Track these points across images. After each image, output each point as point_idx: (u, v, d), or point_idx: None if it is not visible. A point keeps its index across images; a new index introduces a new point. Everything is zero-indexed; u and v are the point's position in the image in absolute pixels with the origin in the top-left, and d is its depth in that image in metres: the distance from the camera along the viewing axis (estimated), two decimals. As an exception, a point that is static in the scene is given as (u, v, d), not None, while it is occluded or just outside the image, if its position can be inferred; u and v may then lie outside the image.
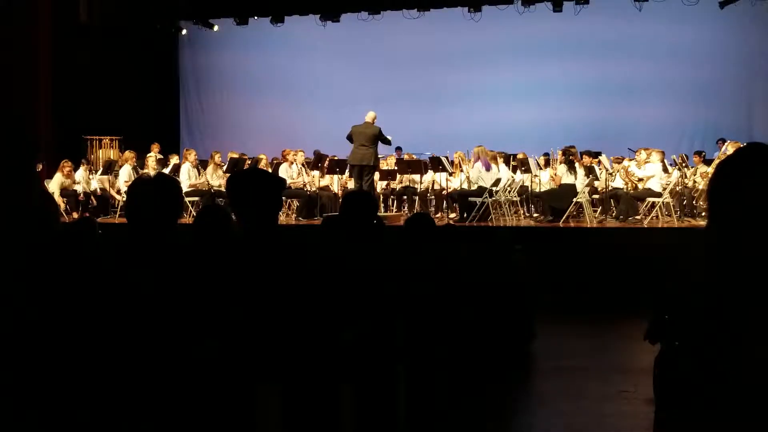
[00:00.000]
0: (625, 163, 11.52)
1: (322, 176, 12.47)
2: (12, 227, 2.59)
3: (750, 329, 1.79)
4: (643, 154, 10.96)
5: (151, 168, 11.89)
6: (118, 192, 12.04)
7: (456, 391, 4.73)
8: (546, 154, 12.65)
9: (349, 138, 11.04)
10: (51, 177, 11.95)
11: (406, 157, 13.39)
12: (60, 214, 7.36)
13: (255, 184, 2.86)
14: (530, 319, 6.70)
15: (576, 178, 10.60)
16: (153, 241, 2.58)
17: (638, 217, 10.39)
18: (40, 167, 12.12)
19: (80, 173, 12.42)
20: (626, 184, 10.89)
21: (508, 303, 6.17)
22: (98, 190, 12.48)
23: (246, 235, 2.84)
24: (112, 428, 2.49)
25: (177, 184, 2.91)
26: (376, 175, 12.33)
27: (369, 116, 11.04)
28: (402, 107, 15.77)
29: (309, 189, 11.96)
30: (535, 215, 11.61)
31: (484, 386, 5.38)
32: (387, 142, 11.14)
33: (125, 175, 11.74)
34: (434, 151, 12.82)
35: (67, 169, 11.96)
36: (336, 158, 12.18)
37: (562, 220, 10.30)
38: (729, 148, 10.32)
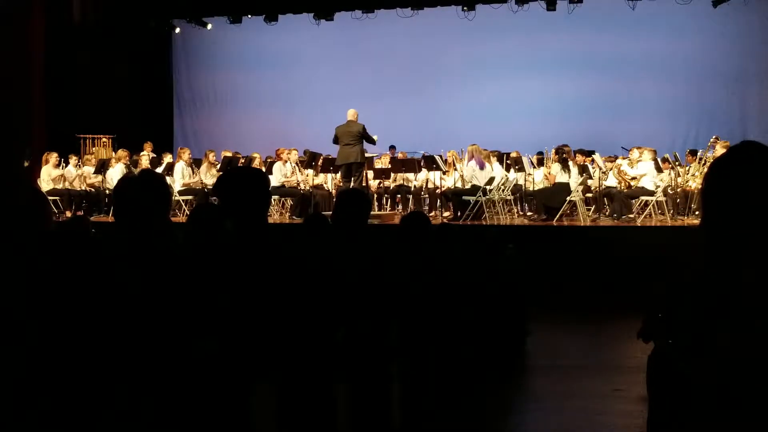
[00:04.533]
0: (618, 161, 11.55)
1: (316, 175, 12.47)
2: (2, 226, 2.57)
3: (745, 328, 1.79)
4: (635, 153, 11.00)
5: (143, 167, 11.86)
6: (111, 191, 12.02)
7: (449, 390, 4.73)
8: (540, 153, 12.64)
9: (335, 140, 11.04)
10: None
11: (399, 155, 13.39)
12: (52, 213, 7.33)
13: (242, 184, 2.87)
14: (524, 317, 6.71)
15: (570, 177, 10.61)
16: (142, 239, 2.56)
17: (631, 216, 10.41)
18: (27, 164, 12.08)
19: (70, 170, 12.38)
20: (619, 182, 10.91)
21: (502, 301, 6.17)
22: (89, 188, 12.45)
23: (237, 234, 2.85)
24: (107, 428, 2.48)
25: (162, 180, 2.91)
26: (370, 174, 12.33)
27: (350, 114, 11.04)
28: (396, 105, 15.77)
29: (303, 188, 11.95)
30: (529, 214, 11.62)
31: (477, 385, 5.38)
32: (371, 141, 11.04)
33: (118, 173, 11.71)
34: (428, 150, 12.82)
35: (53, 158, 11.90)
36: (330, 157, 12.19)
37: (555, 219, 10.32)
38: (718, 148, 10.34)
